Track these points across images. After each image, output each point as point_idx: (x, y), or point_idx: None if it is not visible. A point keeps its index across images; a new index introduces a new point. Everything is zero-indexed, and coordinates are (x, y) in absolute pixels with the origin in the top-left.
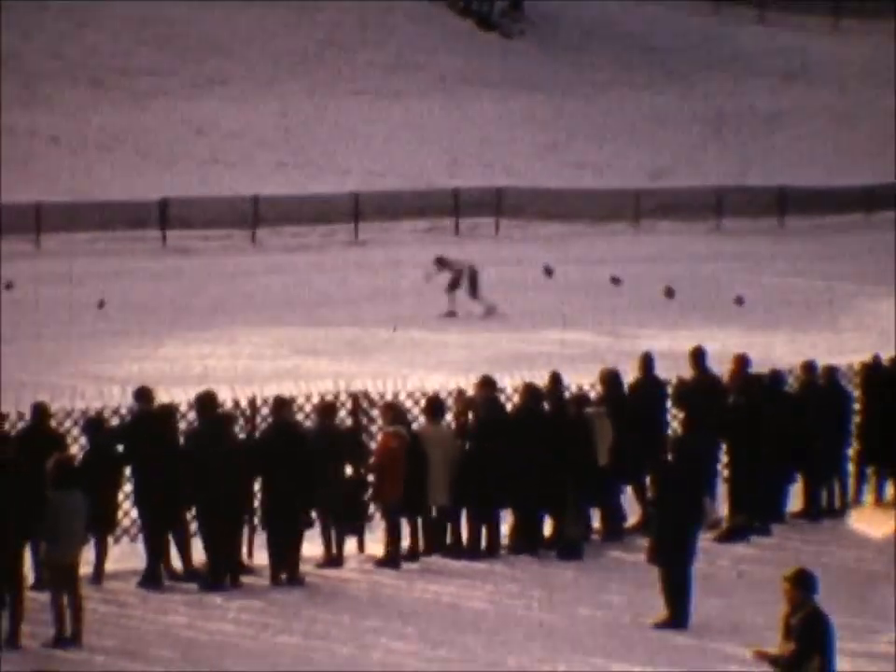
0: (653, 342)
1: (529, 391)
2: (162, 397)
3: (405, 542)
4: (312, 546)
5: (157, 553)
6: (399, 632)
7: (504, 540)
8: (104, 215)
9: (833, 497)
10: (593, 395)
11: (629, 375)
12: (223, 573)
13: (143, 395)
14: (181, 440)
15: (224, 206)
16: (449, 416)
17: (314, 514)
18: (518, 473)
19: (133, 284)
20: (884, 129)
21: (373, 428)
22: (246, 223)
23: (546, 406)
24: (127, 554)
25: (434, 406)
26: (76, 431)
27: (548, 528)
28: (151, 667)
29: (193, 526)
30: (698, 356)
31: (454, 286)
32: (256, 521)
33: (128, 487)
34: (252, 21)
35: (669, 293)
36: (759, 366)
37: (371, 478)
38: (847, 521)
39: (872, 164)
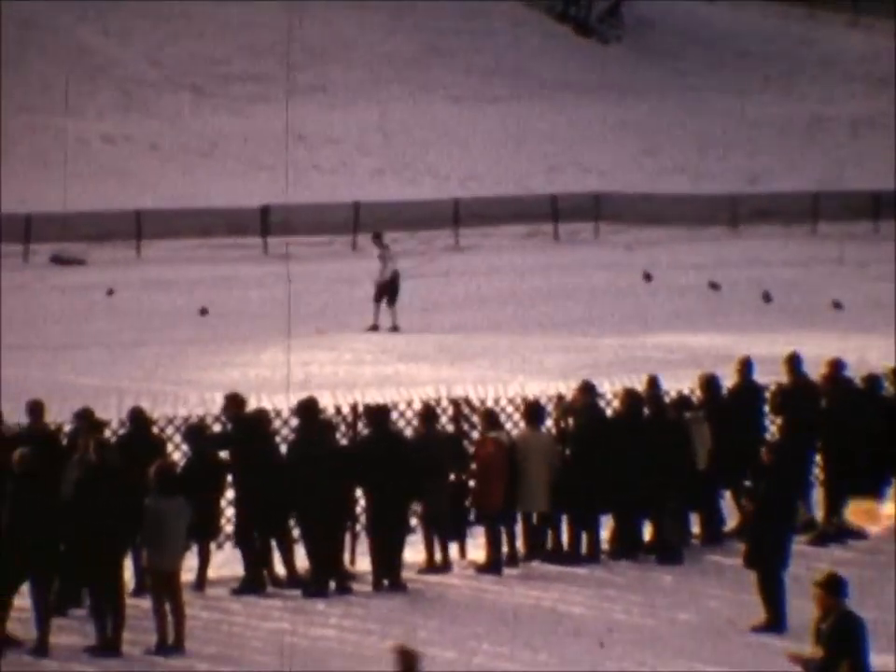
0: (751, 346)
1: (628, 396)
2: (265, 403)
3: (505, 548)
4: (414, 552)
5: (258, 560)
6: (500, 637)
7: (604, 545)
8: (204, 221)
9: None
10: (692, 399)
11: (727, 380)
12: (326, 579)
13: (233, 401)
14: (283, 446)
15: (325, 212)
16: (549, 422)
17: (415, 521)
18: (617, 478)
19: (235, 290)
20: None
21: (474, 434)
22: (347, 229)
23: (645, 411)
24: (230, 561)
25: (534, 412)
26: (177, 438)
27: (647, 533)
28: None
29: (296, 533)
30: (793, 361)
31: (380, 296)
32: (358, 527)
33: (230, 494)
34: (351, 28)
35: (766, 298)
36: (855, 370)
37: (472, 484)
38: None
39: None
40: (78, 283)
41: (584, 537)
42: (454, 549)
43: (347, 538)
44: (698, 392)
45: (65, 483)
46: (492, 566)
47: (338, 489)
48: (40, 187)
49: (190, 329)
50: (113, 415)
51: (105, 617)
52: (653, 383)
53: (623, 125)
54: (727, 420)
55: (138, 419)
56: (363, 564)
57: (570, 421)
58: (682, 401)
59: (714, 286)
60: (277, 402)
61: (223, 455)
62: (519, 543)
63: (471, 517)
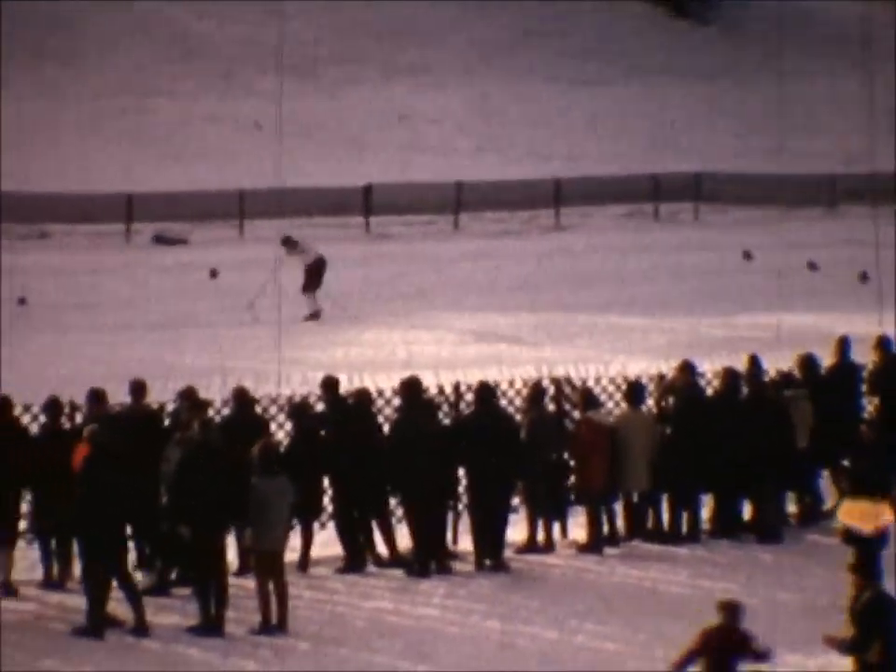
0: (848, 326)
1: (728, 375)
2: (367, 383)
3: (606, 527)
4: (516, 531)
5: (358, 541)
6: (602, 617)
7: (704, 525)
8: (307, 201)
9: None
10: (794, 376)
11: (825, 360)
12: (428, 559)
13: (327, 384)
14: (386, 426)
15: (426, 192)
16: (650, 401)
17: (517, 500)
18: (717, 457)
19: (337, 270)
20: None
21: (575, 414)
22: (449, 208)
23: (745, 390)
24: (333, 540)
25: (634, 391)
26: (281, 417)
27: (747, 512)
28: (357, 654)
29: (398, 513)
30: (883, 342)
31: (309, 286)
32: (460, 506)
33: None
34: (451, 10)
35: (864, 278)
36: None
37: (573, 463)
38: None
39: None
40: (181, 262)
41: (684, 516)
42: (555, 529)
43: (450, 517)
44: (797, 372)
45: (166, 463)
46: (593, 545)
47: (440, 469)
48: (142, 167)
49: (294, 308)
50: (216, 395)
51: (209, 597)
52: (753, 362)
53: (719, 106)
54: (825, 400)
55: (241, 399)
56: (465, 543)
57: (670, 400)
58: (783, 379)
59: (812, 266)
60: (380, 382)
61: (326, 434)
62: (620, 523)
63: (572, 497)
